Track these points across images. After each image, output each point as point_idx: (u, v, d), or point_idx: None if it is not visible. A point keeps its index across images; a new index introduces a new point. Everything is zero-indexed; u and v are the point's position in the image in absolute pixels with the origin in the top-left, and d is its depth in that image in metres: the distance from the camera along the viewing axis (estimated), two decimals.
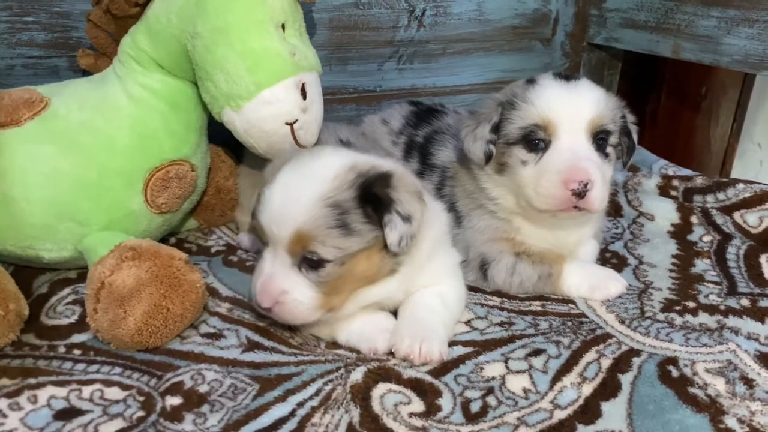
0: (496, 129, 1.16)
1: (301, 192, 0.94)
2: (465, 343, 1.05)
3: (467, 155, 1.19)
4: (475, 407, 0.91)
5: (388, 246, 0.96)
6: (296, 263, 0.96)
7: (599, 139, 1.13)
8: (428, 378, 0.96)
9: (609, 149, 1.16)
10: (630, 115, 1.21)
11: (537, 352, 1.02)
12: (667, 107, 2.34)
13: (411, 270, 1.03)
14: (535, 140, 1.12)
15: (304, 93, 1.15)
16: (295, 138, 1.17)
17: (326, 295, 0.97)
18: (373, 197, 0.95)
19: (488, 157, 1.17)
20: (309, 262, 0.95)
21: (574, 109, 1.11)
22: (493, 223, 1.22)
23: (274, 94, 1.12)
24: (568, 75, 1.18)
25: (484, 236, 1.23)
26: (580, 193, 1.08)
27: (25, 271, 1.20)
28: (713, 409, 0.89)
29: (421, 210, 0.99)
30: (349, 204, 0.94)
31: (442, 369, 0.98)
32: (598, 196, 1.10)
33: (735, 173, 2.64)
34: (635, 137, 1.21)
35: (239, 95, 1.11)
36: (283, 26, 1.16)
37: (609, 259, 1.33)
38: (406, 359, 0.99)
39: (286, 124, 1.15)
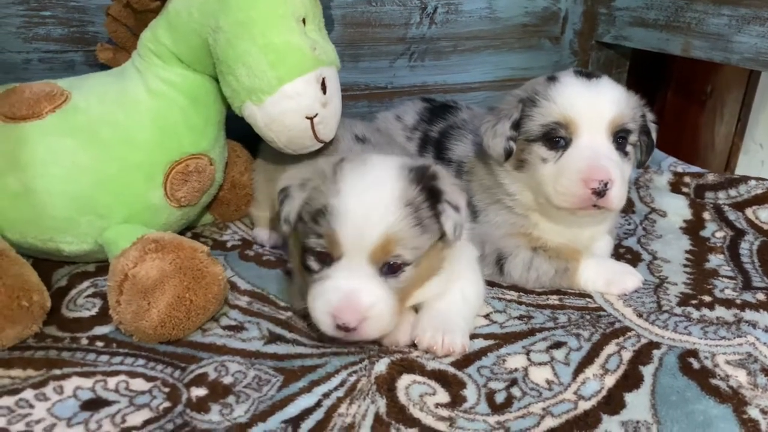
0: (517, 126, 1.17)
1: (380, 196, 0.93)
2: (486, 336, 1.06)
3: (486, 151, 1.20)
4: (499, 398, 0.92)
5: (446, 235, 0.97)
6: (377, 271, 0.94)
7: (619, 137, 1.14)
8: (451, 370, 0.97)
9: (629, 148, 1.16)
10: (650, 113, 1.22)
11: (558, 345, 1.03)
12: (673, 105, 2.36)
13: (451, 267, 1.04)
14: (556, 138, 1.13)
15: (324, 87, 1.16)
16: (314, 132, 1.18)
17: (400, 301, 0.97)
18: (426, 190, 0.96)
19: (508, 154, 1.17)
20: (390, 268, 0.94)
21: (595, 107, 1.12)
22: (509, 218, 1.23)
23: (296, 88, 1.13)
24: (589, 72, 1.18)
25: (500, 231, 1.23)
26: (600, 192, 1.08)
27: (43, 264, 1.20)
28: (736, 400, 0.90)
29: (464, 199, 1.00)
30: (419, 200, 0.95)
31: (465, 361, 0.99)
32: (618, 195, 1.11)
33: (738, 171, 2.66)
34: (654, 136, 1.22)
35: (261, 89, 1.12)
36: (303, 21, 1.16)
37: (623, 254, 1.34)
38: (428, 350, 1.00)
39: (307, 118, 1.15)
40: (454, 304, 1.06)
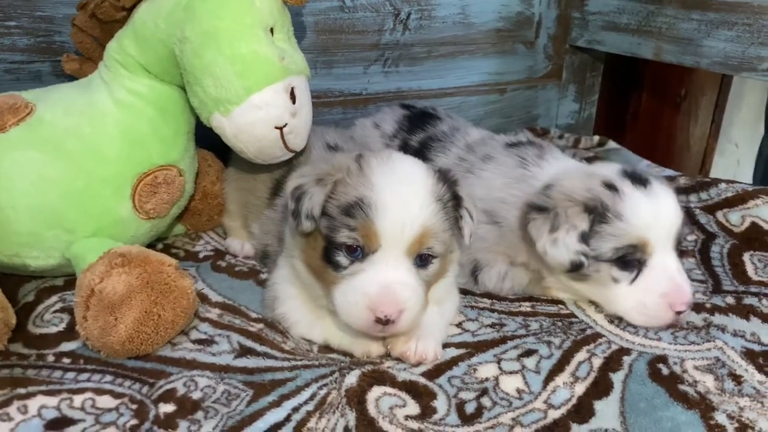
0: (583, 238, 1.09)
1: (416, 191, 0.95)
2: (457, 345, 1.05)
3: (541, 255, 1.11)
4: (469, 408, 0.91)
5: (464, 239, 1.02)
6: (411, 263, 0.94)
7: (680, 245, 1.13)
8: (422, 380, 0.96)
9: None
10: None
11: (529, 353, 1.03)
12: (648, 108, 2.38)
13: (450, 274, 1.07)
14: (632, 260, 1.09)
15: (293, 97, 1.15)
16: (284, 142, 1.17)
17: (425, 295, 0.98)
18: (450, 192, 1.00)
19: (576, 268, 1.09)
20: (421, 260, 0.96)
21: (666, 225, 1.09)
22: (496, 237, 1.21)
23: (264, 98, 1.12)
24: (640, 176, 1.13)
25: (483, 244, 1.20)
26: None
27: (10, 279, 1.18)
28: (703, 406, 0.90)
29: (476, 210, 1.04)
30: (446, 198, 0.98)
31: (436, 371, 0.99)
32: None
33: (714, 172, 2.70)
34: None
35: (228, 100, 1.11)
36: (271, 30, 1.15)
37: None
38: (401, 357, 0.99)
39: (276, 128, 1.15)
40: (429, 315, 1.05)
